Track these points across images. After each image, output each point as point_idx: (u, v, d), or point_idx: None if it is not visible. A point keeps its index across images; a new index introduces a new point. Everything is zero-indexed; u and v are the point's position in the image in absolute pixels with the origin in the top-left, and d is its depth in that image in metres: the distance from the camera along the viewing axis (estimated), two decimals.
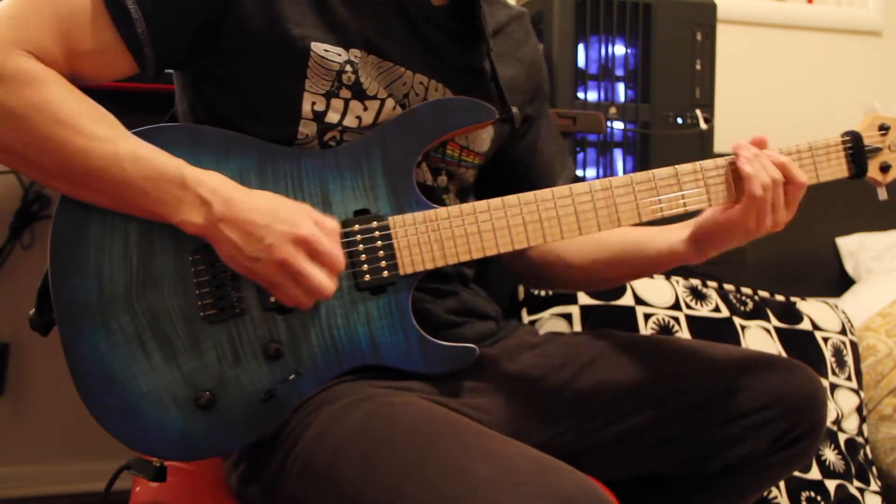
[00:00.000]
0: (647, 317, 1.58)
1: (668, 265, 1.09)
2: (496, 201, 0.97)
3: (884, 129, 1.08)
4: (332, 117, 0.96)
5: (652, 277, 1.66)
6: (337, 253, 0.87)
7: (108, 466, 0.99)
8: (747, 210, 0.98)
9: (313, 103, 0.95)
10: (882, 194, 1.09)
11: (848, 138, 1.06)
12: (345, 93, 0.96)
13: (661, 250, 1.08)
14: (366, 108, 0.97)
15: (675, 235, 1.07)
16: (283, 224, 0.85)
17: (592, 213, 0.98)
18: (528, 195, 0.97)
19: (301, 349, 0.92)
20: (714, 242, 1.03)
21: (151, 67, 0.92)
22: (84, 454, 2.01)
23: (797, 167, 1.00)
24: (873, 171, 1.08)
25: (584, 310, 1.56)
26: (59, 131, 0.83)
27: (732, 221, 1.00)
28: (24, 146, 0.84)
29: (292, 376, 0.92)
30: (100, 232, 0.88)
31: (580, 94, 1.80)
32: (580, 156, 1.83)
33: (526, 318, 1.61)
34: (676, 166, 1.01)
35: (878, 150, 1.07)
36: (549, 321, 1.57)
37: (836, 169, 1.07)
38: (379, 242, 0.94)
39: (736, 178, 1.01)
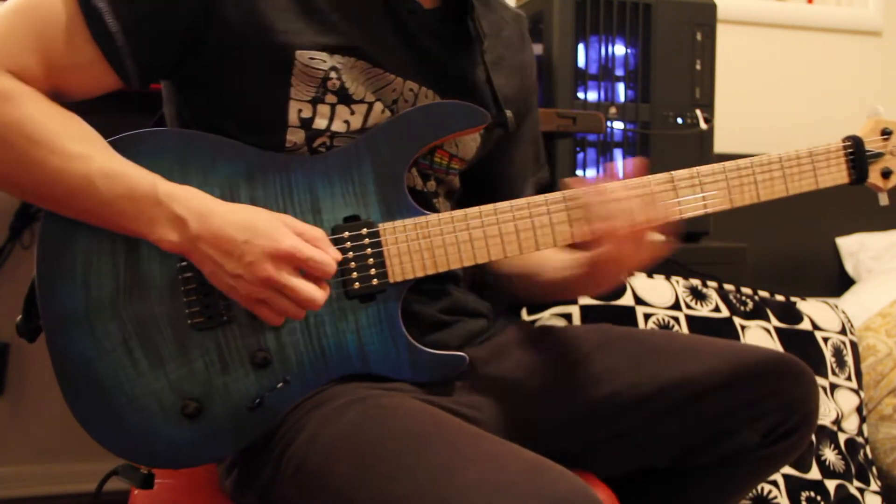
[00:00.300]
0: (647, 317, 1.58)
1: (563, 295, 1.09)
2: (487, 208, 0.95)
3: (886, 133, 1.05)
4: (320, 123, 0.95)
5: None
6: (322, 258, 0.86)
7: (108, 467, 0.99)
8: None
9: (300, 110, 0.94)
10: (883, 200, 1.07)
11: (849, 143, 1.04)
12: (330, 98, 0.95)
13: (554, 279, 1.07)
14: (353, 112, 0.96)
15: (567, 269, 1.05)
16: (263, 239, 0.83)
17: (586, 220, 0.96)
18: (521, 202, 0.96)
19: (289, 357, 0.92)
20: (595, 280, 1.02)
21: (135, 80, 0.91)
22: (84, 454, 2.00)
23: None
24: (874, 176, 1.05)
25: (584, 310, 1.56)
26: (33, 151, 0.83)
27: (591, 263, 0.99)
28: (1, 166, 0.84)
29: (280, 384, 0.91)
30: (87, 239, 0.88)
31: (580, 94, 1.80)
32: (580, 156, 1.83)
33: (526, 318, 1.61)
34: (672, 172, 0.99)
35: (879, 155, 1.05)
36: (549, 321, 1.57)
37: (836, 175, 1.05)
38: (369, 250, 0.93)
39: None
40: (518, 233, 0.96)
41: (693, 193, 0.99)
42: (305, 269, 0.85)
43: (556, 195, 0.97)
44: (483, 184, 1.14)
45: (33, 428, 2.03)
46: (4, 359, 1.98)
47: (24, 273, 2.04)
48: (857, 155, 1.04)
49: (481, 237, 0.95)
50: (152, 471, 0.95)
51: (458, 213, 0.95)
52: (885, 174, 1.06)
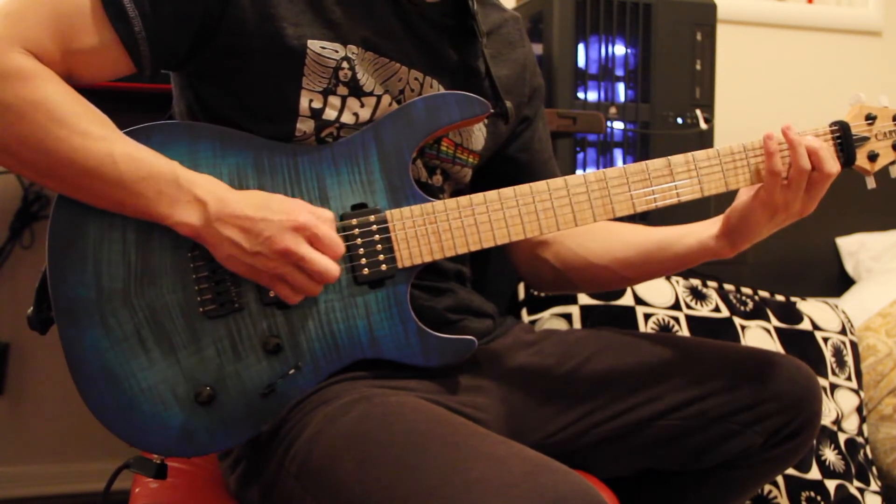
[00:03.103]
0: (647, 317, 1.58)
1: (697, 261, 1.08)
2: (492, 194, 0.97)
3: (870, 118, 1.07)
4: (330, 114, 0.96)
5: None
6: (335, 237, 0.88)
7: (108, 466, 0.99)
8: (770, 191, 0.99)
9: (311, 101, 0.95)
10: (870, 183, 1.08)
11: (836, 128, 1.05)
12: (342, 90, 0.96)
13: (691, 247, 1.07)
14: (363, 105, 0.98)
15: (705, 231, 1.07)
16: (279, 214, 0.86)
17: (587, 203, 0.99)
18: (524, 187, 0.98)
19: (300, 343, 0.92)
20: (743, 232, 1.03)
21: (148, 67, 0.92)
22: (84, 454, 2.01)
23: (829, 155, 1.00)
24: (861, 160, 1.07)
25: (584, 310, 1.56)
26: (55, 130, 0.83)
27: (757, 206, 1.00)
28: (19, 144, 0.84)
29: (292, 371, 0.92)
30: (98, 229, 0.89)
31: (580, 94, 1.80)
32: (580, 156, 1.83)
33: (526, 318, 1.61)
34: (669, 157, 1.01)
35: (865, 139, 1.06)
36: (549, 321, 1.57)
37: None
38: (377, 236, 0.94)
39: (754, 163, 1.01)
40: (521, 217, 0.97)
41: (689, 178, 1.01)
42: (318, 245, 0.87)
43: (559, 181, 0.98)
44: (509, 178, 1.15)
45: (33, 428, 2.02)
46: (4, 359, 1.97)
47: (24, 273, 2.05)
48: (844, 139, 1.05)
49: (486, 221, 0.97)
50: (165, 461, 0.95)
51: (464, 199, 0.97)
52: (872, 157, 1.07)
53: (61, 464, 2.04)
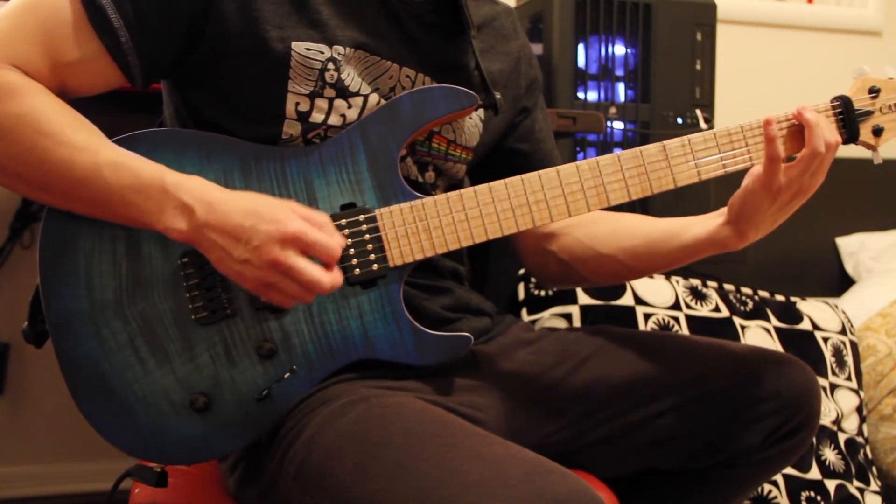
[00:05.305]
0: (647, 317, 1.58)
1: (704, 252, 1.05)
2: (482, 187, 0.96)
3: (874, 91, 1.04)
4: (317, 117, 0.96)
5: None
6: (328, 242, 0.86)
7: (109, 466, 0.99)
8: (771, 175, 0.96)
9: (297, 104, 0.95)
10: (877, 159, 1.05)
11: (837, 103, 1.03)
12: (329, 92, 0.96)
13: (698, 236, 1.04)
14: (350, 106, 0.97)
15: (712, 221, 1.04)
16: (269, 223, 0.84)
17: (581, 193, 0.97)
18: (515, 180, 0.96)
19: (294, 347, 0.92)
20: (748, 218, 0.99)
21: (139, 77, 0.92)
22: (84, 454, 2.01)
23: (826, 124, 0.97)
24: (865, 135, 1.03)
25: (584, 310, 1.56)
26: (40, 142, 0.84)
27: (759, 188, 0.97)
28: (6, 158, 0.85)
29: (287, 374, 0.92)
30: (88, 240, 0.89)
31: (580, 94, 1.80)
32: (580, 156, 1.83)
33: (526, 318, 1.61)
34: (664, 142, 0.99)
35: (869, 113, 1.03)
36: (549, 321, 1.57)
37: None
38: (367, 235, 0.94)
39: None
40: (513, 210, 0.96)
41: (685, 161, 0.99)
42: (311, 252, 0.86)
43: (551, 171, 0.97)
44: (511, 170, 1.14)
45: (33, 428, 2.02)
46: (4, 359, 1.98)
47: (24, 273, 2.05)
48: (846, 114, 1.02)
49: (478, 216, 0.96)
50: (165, 468, 0.95)
51: (454, 194, 0.96)
52: (876, 132, 1.04)
53: (61, 464, 2.04)
